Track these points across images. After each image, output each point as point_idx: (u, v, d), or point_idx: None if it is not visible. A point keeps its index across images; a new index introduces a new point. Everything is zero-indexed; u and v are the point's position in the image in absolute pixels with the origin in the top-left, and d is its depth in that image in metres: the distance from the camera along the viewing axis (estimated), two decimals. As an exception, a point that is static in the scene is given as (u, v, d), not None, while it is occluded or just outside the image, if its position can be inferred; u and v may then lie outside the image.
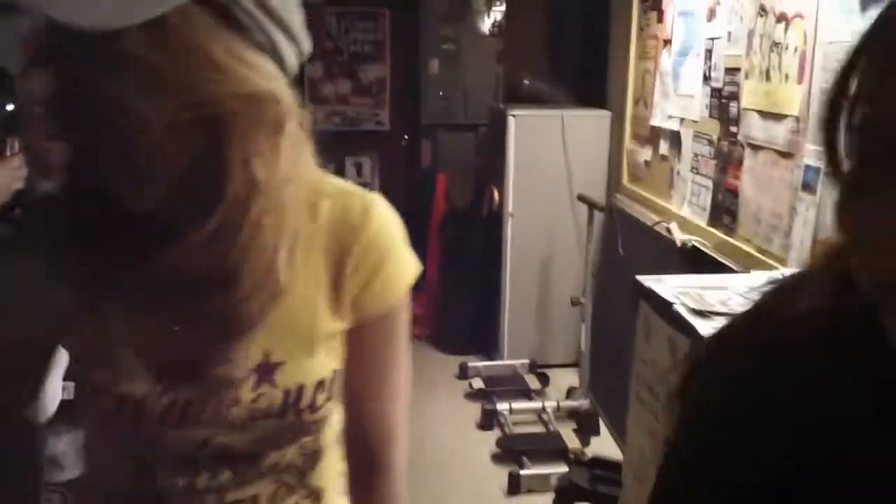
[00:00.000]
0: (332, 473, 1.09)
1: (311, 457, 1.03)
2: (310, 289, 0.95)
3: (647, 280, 2.03)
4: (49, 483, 2.57)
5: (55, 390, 1.75)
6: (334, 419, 1.04)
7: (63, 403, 2.47)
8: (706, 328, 1.70)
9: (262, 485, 1.00)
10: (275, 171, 0.85)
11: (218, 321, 0.89)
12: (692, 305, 1.81)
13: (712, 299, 1.86)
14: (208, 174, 0.82)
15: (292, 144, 0.87)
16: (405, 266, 1.01)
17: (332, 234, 0.96)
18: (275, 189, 0.86)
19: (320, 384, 0.96)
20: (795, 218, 2.38)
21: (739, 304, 1.82)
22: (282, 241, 0.88)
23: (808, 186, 2.31)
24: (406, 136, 5.66)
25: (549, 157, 4.25)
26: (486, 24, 5.35)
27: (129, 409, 0.92)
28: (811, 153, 2.30)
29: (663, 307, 1.88)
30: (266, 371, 0.93)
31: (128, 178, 0.83)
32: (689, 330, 1.74)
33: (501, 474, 3.26)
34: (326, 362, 0.97)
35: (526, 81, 4.90)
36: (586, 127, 4.26)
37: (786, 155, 2.46)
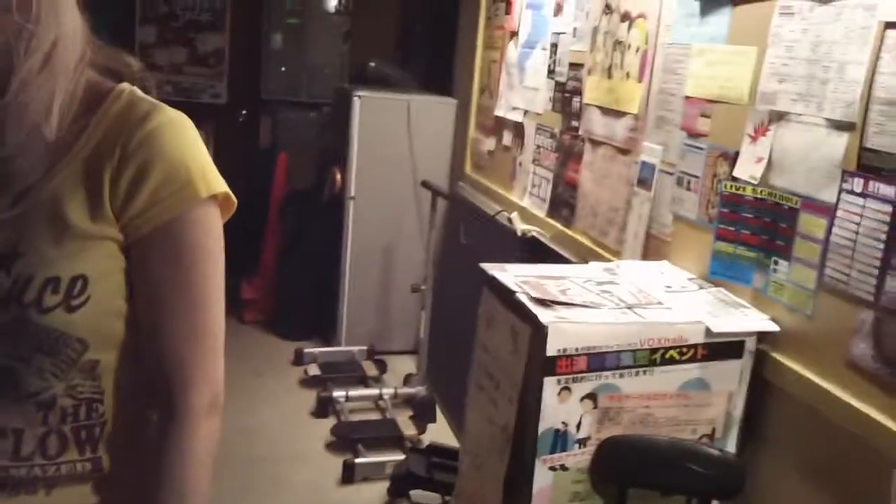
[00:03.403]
0: (125, 451, 1.01)
1: (89, 409, 0.96)
2: (67, 182, 0.92)
3: (491, 268, 2.03)
4: None
5: None
6: (107, 359, 0.96)
7: None
8: (547, 317, 1.71)
9: (28, 419, 0.94)
10: (40, 25, 0.87)
11: None
12: (534, 294, 1.82)
13: (552, 288, 1.88)
14: None
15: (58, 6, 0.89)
16: (186, 181, 0.94)
17: (105, 134, 0.93)
18: (44, 44, 0.87)
19: (52, 281, 0.90)
20: (630, 212, 2.46)
21: (577, 294, 1.85)
22: (52, 105, 0.89)
23: (643, 182, 2.40)
24: (244, 112, 5.44)
25: (394, 141, 4.21)
26: (332, 2, 5.23)
27: None
28: (647, 150, 2.39)
29: (506, 295, 1.88)
30: (8, 260, 0.90)
31: None
32: (530, 318, 1.75)
33: (336, 463, 3.20)
34: (69, 263, 0.91)
35: (372, 64, 4.83)
36: (432, 113, 4.26)
37: (624, 151, 2.54)
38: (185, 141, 0.96)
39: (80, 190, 0.92)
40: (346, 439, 3.35)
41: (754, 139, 1.91)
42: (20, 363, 0.92)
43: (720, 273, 2.01)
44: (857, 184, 1.60)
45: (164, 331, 0.97)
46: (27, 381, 0.92)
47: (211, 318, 0.99)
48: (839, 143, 1.65)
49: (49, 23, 0.88)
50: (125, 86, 0.97)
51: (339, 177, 4.29)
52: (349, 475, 3.11)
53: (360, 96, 4.15)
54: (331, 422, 3.54)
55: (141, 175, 0.92)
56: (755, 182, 1.89)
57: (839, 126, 1.65)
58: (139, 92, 0.98)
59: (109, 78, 0.99)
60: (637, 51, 2.47)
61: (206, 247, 0.97)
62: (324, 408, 3.64)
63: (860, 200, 1.59)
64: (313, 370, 4.01)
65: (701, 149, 2.12)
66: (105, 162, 0.92)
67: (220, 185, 0.98)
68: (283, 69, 5.23)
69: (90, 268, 0.92)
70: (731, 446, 1.85)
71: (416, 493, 2.88)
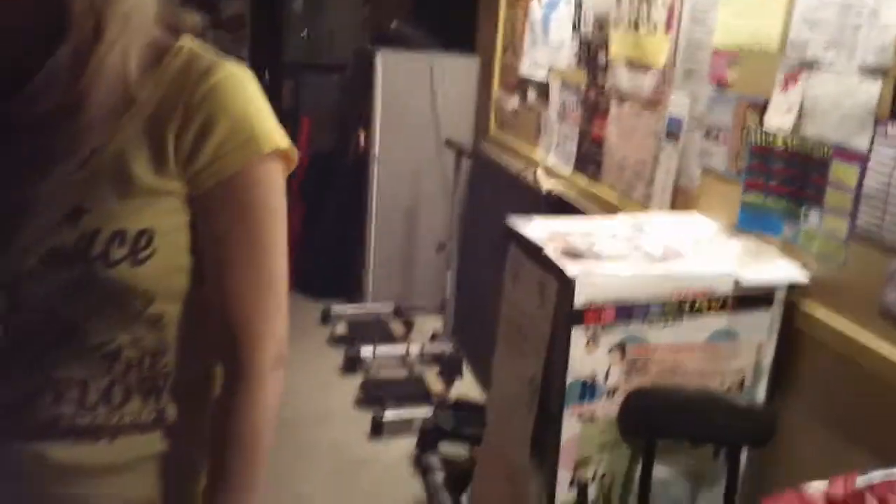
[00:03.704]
0: (189, 403, 1.02)
1: (154, 360, 0.97)
2: (131, 138, 0.92)
3: (517, 223, 2.03)
4: None
5: None
6: (172, 312, 0.97)
7: None
8: (574, 269, 1.71)
9: (93, 371, 0.95)
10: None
11: (60, 145, 0.91)
12: (561, 248, 1.82)
13: (580, 242, 1.88)
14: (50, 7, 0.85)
15: None
16: (249, 136, 0.94)
17: (167, 90, 0.94)
18: (125, 3, 0.89)
19: (119, 235, 0.90)
20: (658, 166, 2.44)
21: (605, 247, 1.85)
22: (131, 64, 0.91)
23: (671, 135, 2.38)
24: (267, 76, 5.44)
25: (417, 100, 4.19)
26: (352, -37, 5.19)
27: None
28: (675, 103, 2.36)
29: (532, 250, 1.89)
30: (74, 216, 0.90)
31: None
32: (557, 271, 1.75)
33: (364, 419, 3.25)
34: (135, 217, 0.91)
35: (393, 24, 4.79)
36: (455, 72, 4.23)
37: (650, 105, 2.52)
38: (247, 95, 0.96)
39: (143, 146, 0.92)
40: (375, 396, 3.40)
41: (784, 89, 1.88)
42: (86, 317, 0.93)
43: (749, 224, 1.99)
44: (891, 131, 1.58)
45: (229, 285, 0.97)
46: (92, 333, 0.93)
47: (275, 272, 0.98)
48: (872, 91, 1.62)
49: None
50: (185, 40, 0.97)
51: (362, 138, 4.29)
52: (378, 430, 3.17)
53: (382, 55, 4.13)
54: (359, 379, 3.59)
55: (205, 130, 0.92)
56: (786, 132, 1.87)
57: (872, 72, 1.63)
58: (199, 46, 0.98)
59: (169, 32, 0.98)
60: (663, 3, 2.43)
61: (270, 201, 0.97)
62: (352, 365, 3.69)
63: (893, 148, 1.57)
64: (341, 329, 4.05)
65: (730, 100, 2.09)
66: (169, 117, 0.92)
67: (283, 140, 0.98)
68: (303, 33, 5.22)
69: (156, 222, 0.92)
70: (760, 396, 1.86)
71: (444, 445, 2.92)
